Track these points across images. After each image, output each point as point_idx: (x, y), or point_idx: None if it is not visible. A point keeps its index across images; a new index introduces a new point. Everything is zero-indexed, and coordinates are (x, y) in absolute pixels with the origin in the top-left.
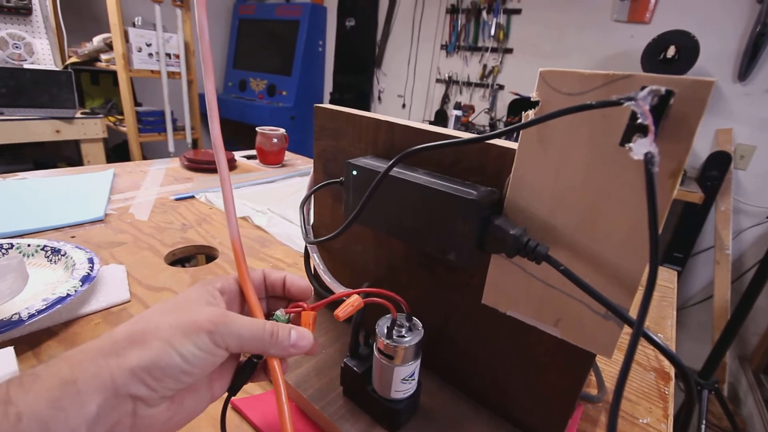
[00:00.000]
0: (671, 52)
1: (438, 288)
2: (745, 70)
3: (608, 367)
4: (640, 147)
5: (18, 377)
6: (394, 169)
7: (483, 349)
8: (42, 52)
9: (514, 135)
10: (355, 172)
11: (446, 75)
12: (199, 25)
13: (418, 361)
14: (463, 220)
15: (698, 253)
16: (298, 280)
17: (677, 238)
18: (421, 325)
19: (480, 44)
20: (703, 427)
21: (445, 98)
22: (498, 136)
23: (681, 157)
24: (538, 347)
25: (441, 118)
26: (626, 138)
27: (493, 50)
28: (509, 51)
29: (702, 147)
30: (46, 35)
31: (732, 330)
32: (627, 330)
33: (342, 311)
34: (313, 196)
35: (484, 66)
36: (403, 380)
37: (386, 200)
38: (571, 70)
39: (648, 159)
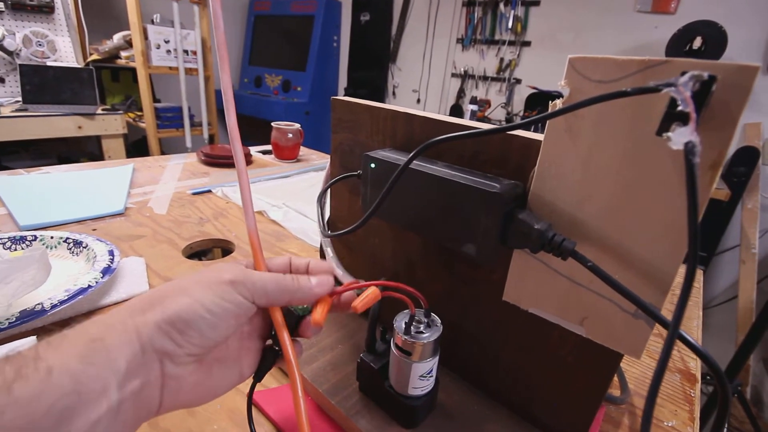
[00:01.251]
0: (698, 43)
1: (457, 283)
2: None
3: (630, 367)
4: (680, 136)
5: (46, 339)
6: (415, 161)
7: (503, 348)
8: (64, 50)
9: (540, 126)
10: (373, 165)
11: (462, 69)
12: (213, 16)
13: (437, 358)
14: (486, 214)
15: (723, 251)
16: (321, 262)
17: (701, 236)
18: (439, 321)
19: (497, 37)
20: (725, 430)
21: (461, 93)
22: (525, 126)
23: (722, 147)
24: (561, 346)
25: (456, 113)
26: (664, 127)
27: (511, 43)
28: (527, 44)
29: None
30: (68, 33)
31: (757, 332)
32: (655, 330)
33: (360, 303)
34: (331, 191)
35: (501, 60)
36: (421, 377)
37: (405, 193)
38: (603, 56)
39: (689, 149)
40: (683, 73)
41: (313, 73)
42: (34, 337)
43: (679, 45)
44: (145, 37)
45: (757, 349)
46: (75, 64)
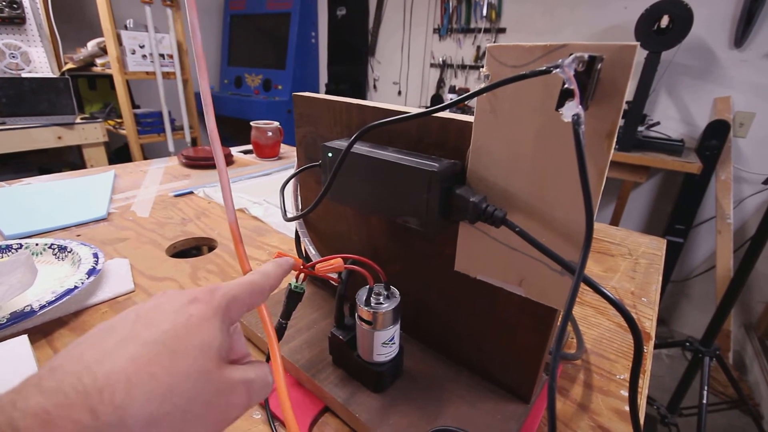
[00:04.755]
0: (665, 21)
1: (415, 260)
2: (741, 35)
3: (589, 330)
4: (569, 110)
5: None
6: (366, 148)
7: (459, 314)
8: (38, 61)
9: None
10: (330, 154)
11: (440, 59)
12: (190, 23)
13: (397, 326)
14: (427, 190)
15: (700, 224)
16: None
17: (678, 210)
18: (398, 293)
19: (473, 25)
20: (705, 392)
21: (440, 83)
22: (443, 109)
23: (614, 118)
24: (507, 308)
25: (437, 103)
26: (560, 103)
27: (486, 31)
28: (502, 30)
29: (700, 116)
30: (41, 43)
31: (733, 294)
32: (594, 295)
33: (322, 266)
34: (300, 182)
35: (478, 48)
36: (384, 344)
37: (359, 178)
38: (515, 44)
39: (575, 120)
40: (571, 55)
41: (293, 71)
42: (25, 336)
43: (647, 24)
44: (120, 42)
45: (739, 316)
46: (50, 74)
